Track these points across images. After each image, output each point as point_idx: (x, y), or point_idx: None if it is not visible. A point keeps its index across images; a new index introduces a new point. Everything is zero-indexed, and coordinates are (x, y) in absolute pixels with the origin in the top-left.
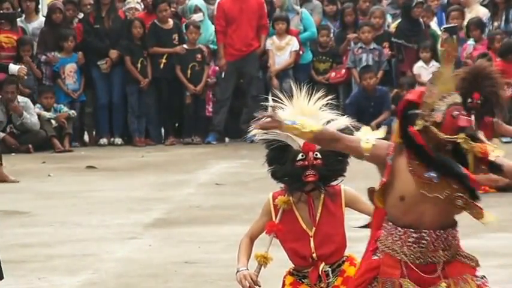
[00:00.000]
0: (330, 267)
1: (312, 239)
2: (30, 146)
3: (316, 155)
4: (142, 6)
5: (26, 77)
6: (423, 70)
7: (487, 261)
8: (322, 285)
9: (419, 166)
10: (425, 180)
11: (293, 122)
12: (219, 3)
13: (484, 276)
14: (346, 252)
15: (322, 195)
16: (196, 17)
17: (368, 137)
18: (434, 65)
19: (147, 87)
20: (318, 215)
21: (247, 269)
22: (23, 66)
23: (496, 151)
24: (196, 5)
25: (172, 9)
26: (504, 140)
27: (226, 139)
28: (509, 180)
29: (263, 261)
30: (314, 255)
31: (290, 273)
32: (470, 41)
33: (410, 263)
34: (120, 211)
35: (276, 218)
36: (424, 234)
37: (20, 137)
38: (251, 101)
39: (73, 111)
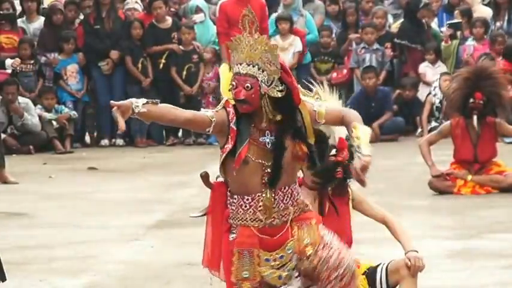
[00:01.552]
0: None
1: None
2: (31, 147)
3: (347, 153)
4: (142, 7)
5: (15, 66)
6: (429, 70)
7: (491, 262)
8: None
9: (256, 130)
10: (260, 144)
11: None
12: (221, 6)
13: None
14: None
15: (330, 194)
16: (197, 17)
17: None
18: (440, 65)
19: (149, 88)
20: (326, 210)
21: None
22: (17, 59)
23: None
24: (198, 6)
25: (173, 9)
26: (507, 140)
27: None
28: None
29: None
30: None
31: None
32: (470, 41)
33: (265, 228)
34: (121, 212)
35: None
36: (272, 195)
37: (20, 138)
38: None
39: (74, 112)
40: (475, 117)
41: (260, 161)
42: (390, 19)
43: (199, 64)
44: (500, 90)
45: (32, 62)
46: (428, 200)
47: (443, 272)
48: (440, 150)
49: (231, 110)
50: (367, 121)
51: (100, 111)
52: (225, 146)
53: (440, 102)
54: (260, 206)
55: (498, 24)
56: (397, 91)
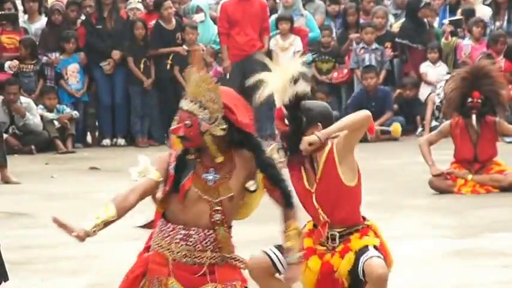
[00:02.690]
0: (339, 232)
1: (314, 196)
2: (32, 147)
3: (284, 120)
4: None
5: (14, 70)
6: (430, 69)
7: (491, 261)
8: (328, 246)
9: (200, 166)
10: (202, 180)
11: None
12: (222, 6)
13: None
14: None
15: (325, 155)
16: (198, 17)
17: (144, 170)
18: (441, 65)
19: (150, 88)
20: (319, 173)
21: None
22: (14, 60)
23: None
24: (198, 5)
25: (174, 9)
26: (507, 139)
27: None
28: None
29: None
30: (320, 211)
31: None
32: (466, 41)
33: (177, 261)
34: None
35: None
36: (192, 232)
37: (22, 138)
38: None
39: (75, 112)
40: (474, 117)
41: (205, 196)
42: (392, 19)
43: (202, 64)
44: (498, 88)
45: (33, 62)
46: (429, 199)
47: (443, 270)
48: (440, 150)
49: (173, 152)
50: None
51: (101, 111)
52: (164, 187)
53: (441, 102)
54: (177, 239)
55: (498, 23)
56: (398, 91)
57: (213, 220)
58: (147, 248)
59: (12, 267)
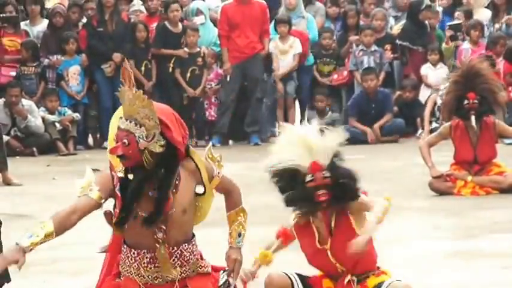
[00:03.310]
0: (357, 277)
1: (329, 252)
2: (34, 149)
3: (325, 173)
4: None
5: None
6: (430, 71)
7: (490, 262)
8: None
9: (148, 185)
10: (147, 198)
11: None
12: (222, 8)
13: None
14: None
15: (335, 214)
16: (198, 19)
17: (87, 187)
18: (442, 67)
19: (151, 91)
20: (333, 227)
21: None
22: None
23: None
24: (198, 8)
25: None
26: (506, 141)
27: (230, 142)
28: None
29: (263, 260)
30: (338, 265)
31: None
32: (465, 45)
33: (149, 284)
34: None
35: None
36: (157, 254)
37: (24, 140)
38: (255, 103)
39: (77, 114)
40: (473, 118)
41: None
42: (392, 21)
43: (203, 67)
44: (492, 86)
45: (35, 64)
46: (429, 201)
47: (443, 271)
48: (440, 152)
49: (115, 174)
50: (368, 122)
51: (103, 113)
52: (115, 210)
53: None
54: (144, 263)
55: (497, 26)
56: (398, 93)
57: (155, 237)
58: (116, 274)
59: (14, 269)
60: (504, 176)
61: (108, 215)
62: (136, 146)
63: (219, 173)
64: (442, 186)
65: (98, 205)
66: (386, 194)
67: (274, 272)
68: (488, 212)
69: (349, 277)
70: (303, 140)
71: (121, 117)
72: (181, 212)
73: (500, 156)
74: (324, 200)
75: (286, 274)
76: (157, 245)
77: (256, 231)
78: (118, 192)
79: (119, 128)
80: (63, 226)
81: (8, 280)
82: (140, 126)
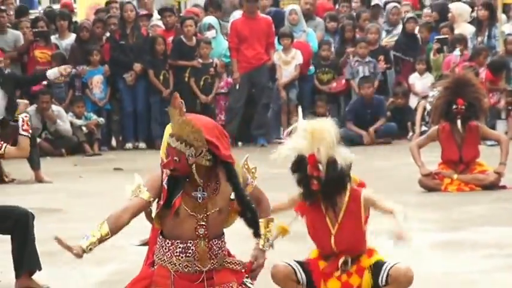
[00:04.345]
0: (351, 257)
1: (333, 237)
2: (63, 150)
3: (319, 166)
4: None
5: (67, 75)
6: (417, 81)
7: (474, 252)
8: (341, 268)
9: (190, 185)
10: (192, 198)
11: None
12: (232, 23)
13: (251, 282)
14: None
15: (346, 198)
16: (210, 34)
17: (137, 190)
18: (427, 76)
19: (169, 98)
20: (341, 215)
21: None
22: (63, 66)
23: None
24: (210, 23)
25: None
26: (488, 143)
27: (239, 143)
28: (493, 179)
29: (282, 232)
30: (335, 249)
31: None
32: (457, 52)
33: (179, 272)
34: None
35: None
36: (189, 245)
37: (54, 142)
38: (262, 109)
39: (101, 118)
40: (459, 122)
41: (193, 213)
42: (384, 35)
43: (215, 76)
44: (480, 95)
45: None
46: (418, 197)
47: (431, 261)
48: (429, 152)
49: (165, 171)
50: (364, 126)
51: (125, 118)
52: (159, 202)
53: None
54: (176, 253)
55: (480, 39)
56: (391, 99)
57: (196, 233)
58: (150, 264)
59: (45, 258)
60: (486, 174)
61: (148, 212)
62: (186, 162)
63: (252, 182)
64: (430, 183)
65: (148, 204)
66: (381, 190)
67: (279, 263)
68: (472, 206)
69: (343, 258)
70: (315, 131)
71: (171, 135)
72: (218, 212)
73: (483, 157)
74: (315, 189)
75: (289, 264)
76: (198, 240)
77: None
78: (165, 185)
79: (169, 145)
80: (116, 226)
81: (40, 268)
82: (190, 147)
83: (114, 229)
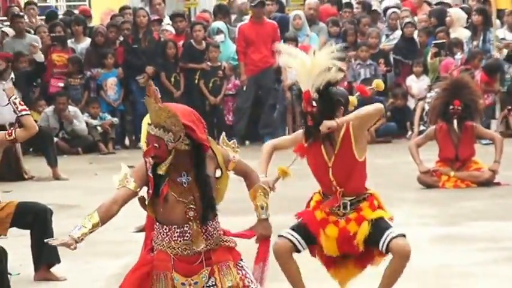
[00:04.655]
0: (349, 200)
1: (330, 169)
2: (79, 149)
3: (312, 103)
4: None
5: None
6: (413, 83)
7: (469, 245)
8: (339, 213)
9: (174, 171)
10: (177, 183)
11: None
12: (239, 28)
13: (246, 266)
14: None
15: (342, 133)
16: (218, 38)
17: (124, 180)
18: (424, 79)
19: (180, 99)
20: (337, 147)
21: (265, 176)
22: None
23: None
24: (218, 28)
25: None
26: (483, 142)
27: (247, 142)
28: (488, 176)
29: (282, 174)
30: (334, 183)
31: (319, 193)
32: (458, 56)
33: (179, 255)
34: None
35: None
36: (186, 229)
37: (70, 141)
38: (268, 109)
39: (116, 119)
40: (455, 122)
41: (180, 198)
42: (383, 39)
43: (223, 79)
44: (476, 97)
45: (80, 77)
46: (417, 193)
47: (429, 254)
48: (427, 151)
49: (148, 159)
50: None
51: (138, 118)
52: (148, 191)
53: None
54: (175, 237)
55: (475, 43)
56: (390, 100)
57: (187, 217)
58: (149, 250)
59: (63, 252)
60: (482, 172)
61: (141, 199)
62: (166, 148)
63: (234, 157)
64: (428, 180)
65: (135, 194)
66: (381, 186)
67: (279, 240)
68: (468, 202)
69: (343, 200)
70: (314, 67)
71: (149, 124)
72: None
73: (478, 155)
74: (310, 124)
75: (286, 237)
76: (190, 223)
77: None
78: (150, 174)
79: (148, 133)
80: (106, 216)
81: (58, 261)
82: (168, 132)
83: (104, 219)
